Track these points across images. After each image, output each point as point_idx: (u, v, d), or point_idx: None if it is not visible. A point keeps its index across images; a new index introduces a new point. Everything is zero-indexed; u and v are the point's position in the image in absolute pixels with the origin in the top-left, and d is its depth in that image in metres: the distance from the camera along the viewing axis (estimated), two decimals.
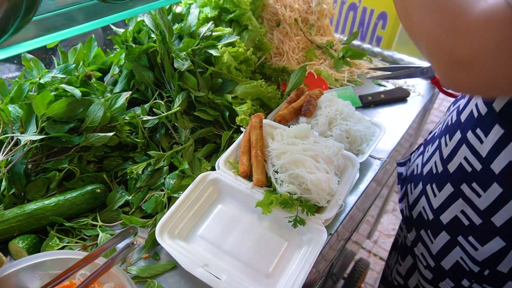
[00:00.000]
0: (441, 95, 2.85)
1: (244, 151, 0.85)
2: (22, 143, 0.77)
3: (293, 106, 1.00)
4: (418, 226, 0.84)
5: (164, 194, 0.83)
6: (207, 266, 0.70)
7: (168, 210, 0.77)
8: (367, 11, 1.67)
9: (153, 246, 0.77)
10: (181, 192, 0.82)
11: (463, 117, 0.71)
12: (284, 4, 1.34)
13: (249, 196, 0.81)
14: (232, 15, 1.15)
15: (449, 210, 0.73)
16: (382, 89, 1.33)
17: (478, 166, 0.65)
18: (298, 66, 1.31)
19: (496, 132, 0.61)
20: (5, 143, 0.79)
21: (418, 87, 1.36)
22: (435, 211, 0.77)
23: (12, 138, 0.79)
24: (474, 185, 0.67)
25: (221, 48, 1.02)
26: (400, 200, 0.96)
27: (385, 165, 1.07)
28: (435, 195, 0.77)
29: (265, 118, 1.02)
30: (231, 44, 1.05)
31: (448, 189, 0.73)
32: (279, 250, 0.76)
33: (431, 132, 0.94)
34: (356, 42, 1.62)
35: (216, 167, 0.86)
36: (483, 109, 0.64)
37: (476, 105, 0.67)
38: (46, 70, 0.87)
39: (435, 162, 0.79)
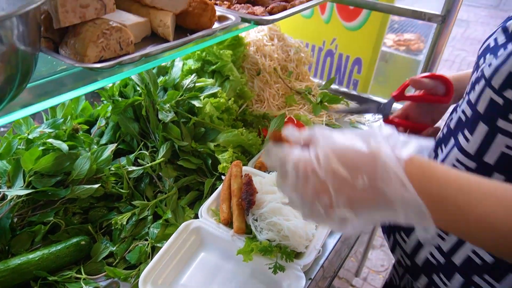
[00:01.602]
0: None
1: (224, 199, 0.88)
2: (9, 198, 0.80)
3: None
4: (428, 272, 0.77)
5: (148, 244, 0.85)
6: None
7: (151, 260, 0.79)
8: (343, 57, 1.78)
9: None
10: (164, 241, 0.84)
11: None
12: (264, 54, 1.43)
13: (230, 244, 0.84)
14: (214, 66, 1.22)
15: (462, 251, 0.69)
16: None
17: None
18: (278, 111, 1.38)
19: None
20: None
21: None
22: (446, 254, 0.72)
23: None
24: None
25: (203, 99, 1.08)
26: (393, 250, 0.87)
27: None
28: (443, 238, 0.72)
29: (246, 164, 1.07)
30: (213, 95, 1.11)
31: None
32: None
33: None
34: (334, 86, 1.71)
35: (199, 215, 0.90)
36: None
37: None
38: (35, 126, 0.91)
39: None
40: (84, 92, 0.63)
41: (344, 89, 1.71)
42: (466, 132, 0.66)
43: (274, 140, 0.51)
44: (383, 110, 0.91)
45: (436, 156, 0.76)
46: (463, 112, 0.68)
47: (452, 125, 0.72)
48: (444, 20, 1.21)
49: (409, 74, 2.16)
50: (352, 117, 1.47)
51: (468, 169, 0.65)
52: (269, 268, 0.79)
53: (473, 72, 0.74)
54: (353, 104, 1.22)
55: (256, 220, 0.84)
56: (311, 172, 0.45)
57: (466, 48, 5.18)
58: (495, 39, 0.68)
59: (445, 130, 0.76)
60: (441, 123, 0.94)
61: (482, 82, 0.62)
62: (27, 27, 0.52)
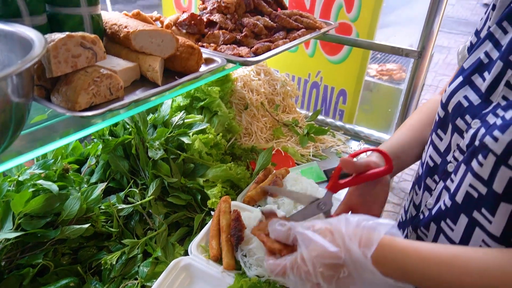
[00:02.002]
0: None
1: (213, 235, 0.89)
2: None
3: (261, 186, 1.08)
4: None
5: (138, 283, 0.85)
6: None
7: None
8: (328, 89, 1.84)
9: None
10: (154, 279, 0.84)
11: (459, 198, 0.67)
12: (251, 88, 1.48)
13: (220, 280, 0.84)
14: (203, 103, 1.26)
15: None
16: None
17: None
18: (266, 144, 1.42)
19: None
20: None
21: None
22: None
23: None
24: None
25: (192, 136, 1.11)
26: None
27: None
28: None
29: (235, 198, 1.08)
30: (202, 131, 1.14)
31: None
32: None
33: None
34: (320, 117, 1.76)
35: (189, 252, 0.90)
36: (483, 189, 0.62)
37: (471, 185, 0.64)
38: (25, 167, 0.93)
39: None
40: (76, 138, 0.65)
41: (330, 119, 1.77)
42: (485, 212, 0.62)
43: (269, 250, 0.68)
44: (323, 207, 0.79)
45: (442, 232, 0.71)
46: (473, 187, 0.63)
47: (458, 199, 0.66)
48: (420, 55, 1.28)
49: (392, 102, 2.22)
50: (339, 148, 1.52)
51: None
52: None
53: (452, 132, 0.70)
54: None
55: (245, 256, 0.85)
56: (305, 277, 0.60)
57: (448, 73, 5.38)
58: (466, 97, 0.67)
59: (446, 202, 0.69)
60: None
61: (492, 158, 0.58)
62: (22, 80, 0.54)
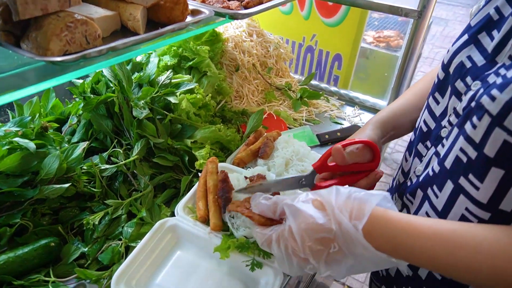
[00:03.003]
0: None
1: (200, 196, 0.86)
2: None
3: (251, 148, 1.04)
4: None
5: (122, 244, 0.83)
6: None
7: (125, 260, 0.77)
8: (323, 53, 1.77)
9: None
10: (139, 240, 0.82)
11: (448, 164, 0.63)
12: (243, 50, 1.41)
13: (207, 241, 0.82)
14: (191, 62, 1.20)
15: None
16: (339, 127, 1.40)
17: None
18: (258, 108, 1.37)
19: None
20: None
21: None
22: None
23: None
24: None
25: (180, 95, 1.06)
26: None
27: None
28: None
29: (225, 160, 1.05)
30: (190, 91, 1.09)
31: None
32: None
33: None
34: (314, 82, 1.71)
35: (175, 213, 0.87)
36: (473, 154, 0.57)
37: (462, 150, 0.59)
38: (0, 124, 0.88)
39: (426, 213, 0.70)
40: (47, 86, 0.60)
41: (324, 85, 1.72)
42: (472, 178, 0.57)
43: (258, 224, 0.65)
44: (305, 185, 0.77)
45: (427, 199, 0.68)
46: (463, 151, 0.59)
47: (447, 164, 0.63)
48: (420, 15, 1.22)
49: (389, 69, 2.17)
50: (333, 113, 1.48)
51: (481, 220, 0.58)
52: (247, 265, 0.77)
53: (450, 95, 0.66)
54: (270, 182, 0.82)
55: (233, 217, 0.82)
56: (292, 252, 0.57)
57: (445, 46, 5.28)
58: (470, 58, 0.62)
59: (435, 168, 0.66)
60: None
61: (487, 119, 0.53)
62: None
